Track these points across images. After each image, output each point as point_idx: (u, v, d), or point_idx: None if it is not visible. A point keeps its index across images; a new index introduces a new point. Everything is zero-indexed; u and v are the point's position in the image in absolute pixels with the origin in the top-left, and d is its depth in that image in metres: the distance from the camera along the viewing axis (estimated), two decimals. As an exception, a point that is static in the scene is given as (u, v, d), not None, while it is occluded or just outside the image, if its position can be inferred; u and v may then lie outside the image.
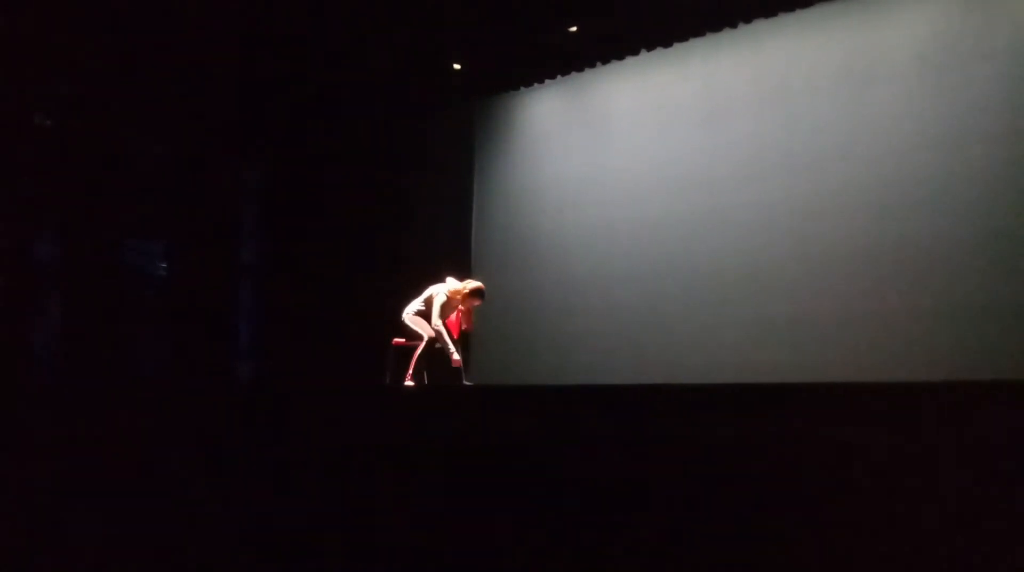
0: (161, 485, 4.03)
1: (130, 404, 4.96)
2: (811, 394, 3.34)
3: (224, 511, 3.92)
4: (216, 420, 4.56)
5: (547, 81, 8.93)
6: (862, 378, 6.13)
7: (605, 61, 8.41)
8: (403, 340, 7.13)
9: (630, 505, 3.14)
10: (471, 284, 7.05)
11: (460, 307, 7.03)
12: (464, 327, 7.16)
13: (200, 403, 4.97)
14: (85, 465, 4.15)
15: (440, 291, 6.97)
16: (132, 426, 4.48)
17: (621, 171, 8.33)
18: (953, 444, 2.65)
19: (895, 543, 2.62)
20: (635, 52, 8.16)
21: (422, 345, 6.94)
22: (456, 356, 6.84)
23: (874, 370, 6.36)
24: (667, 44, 7.95)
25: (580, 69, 8.63)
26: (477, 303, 7.07)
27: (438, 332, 6.84)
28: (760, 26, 7.42)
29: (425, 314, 6.99)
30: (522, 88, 9.15)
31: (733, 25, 7.51)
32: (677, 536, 2.99)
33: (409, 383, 6.93)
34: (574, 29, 8.07)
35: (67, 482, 4.10)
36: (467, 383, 7.13)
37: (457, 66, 8.75)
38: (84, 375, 7.66)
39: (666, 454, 3.18)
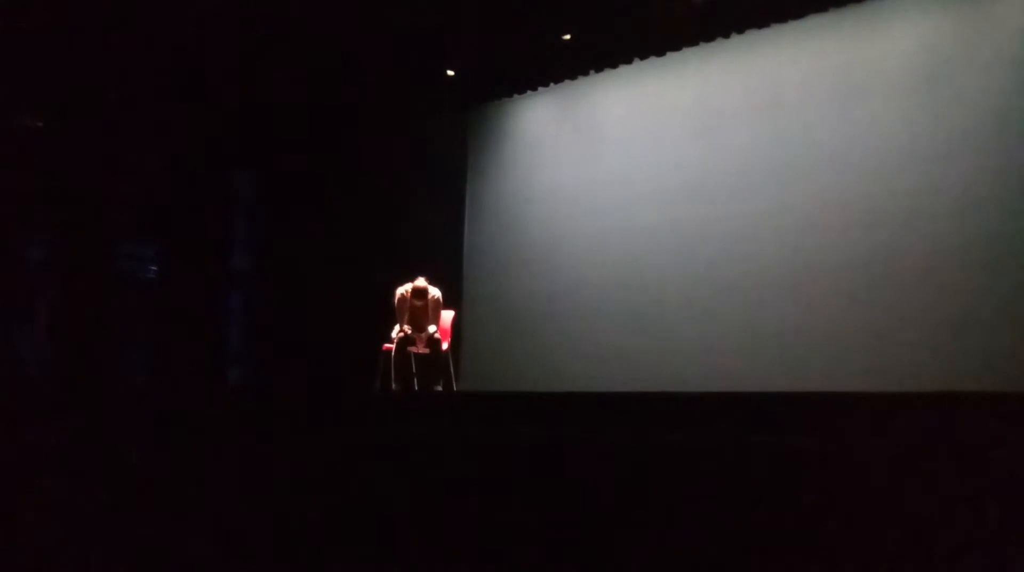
0: (151, 490, 4.01)
1: (118, 408, 4.93)
2: (804, 403, 3.34)
3: (213, 515, 3.90)
4: (206, 425, 4.53)
5: (540, 89, 8.93)
6: (854, 388, 6.14)
7: (598, 69, 8.41)
8: (391, 345, 7.17)
9: (619, 514, 3.14)
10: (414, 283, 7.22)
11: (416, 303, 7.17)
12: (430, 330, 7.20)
13: (189, 408, 4.94)
14: (74, 469, 4.12)
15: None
16: (119, 429, 4.45)
17: (613, 179, 8.34)
18: (946, 454, 2.65)
19: (884, 556, 2.62)
20: (628, 61, 8.18)
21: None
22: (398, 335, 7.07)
23: (866, 380, 6.38)
24: (660, 53, 7.96)
25: (573, 77, 8.63)
26: (418, 304, 7.13)
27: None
28: (753, 36, 7.44)
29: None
30: (515, 95, 9.16)
31: (726, 35, 7.54)
32: (670, 544, 2.98)
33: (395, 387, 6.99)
34: (567, 37, 8.08)
35: (55, 486, 4.07)
36: (437, 388, 7.14)
37: (450, 72, 8.75)
38: (72, 379, 7.62)
39: (657, 462, 3.18)
